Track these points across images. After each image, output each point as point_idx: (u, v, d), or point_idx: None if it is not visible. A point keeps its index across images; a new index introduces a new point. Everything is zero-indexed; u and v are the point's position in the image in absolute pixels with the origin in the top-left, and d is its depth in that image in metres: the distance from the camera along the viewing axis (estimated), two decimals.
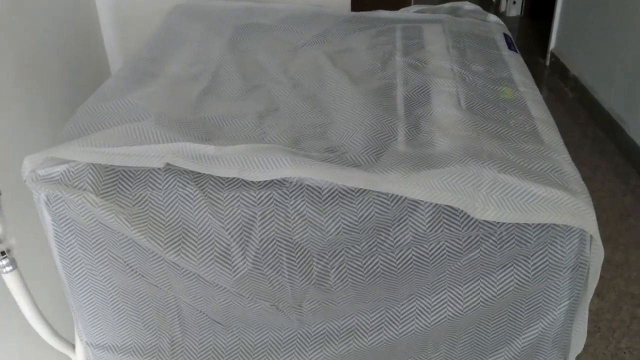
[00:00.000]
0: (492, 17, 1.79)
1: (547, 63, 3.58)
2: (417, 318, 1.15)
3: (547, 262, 1.07)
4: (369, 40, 1.64)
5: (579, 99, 3.12)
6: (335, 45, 1.62)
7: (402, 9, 1.84)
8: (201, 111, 1.29)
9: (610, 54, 2.83)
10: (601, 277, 2.05)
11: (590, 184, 2.40)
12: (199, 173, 1.09)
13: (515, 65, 1.49)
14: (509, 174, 1.06)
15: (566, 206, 1.02)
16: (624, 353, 1.63)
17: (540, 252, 1.06)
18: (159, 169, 1.10)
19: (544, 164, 1.11)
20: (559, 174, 1.10)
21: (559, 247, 1.05)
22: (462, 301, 1.12)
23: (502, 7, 4.49)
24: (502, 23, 1.78)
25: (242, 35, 1.68)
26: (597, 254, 1.04)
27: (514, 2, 4.36)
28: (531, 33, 4.11)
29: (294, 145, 1.18)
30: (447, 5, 1.84)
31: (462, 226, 1.05)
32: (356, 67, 1.49)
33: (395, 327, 1.16)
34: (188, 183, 1.09)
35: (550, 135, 1.22)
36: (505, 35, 1.67)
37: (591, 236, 1.04)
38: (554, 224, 1.03)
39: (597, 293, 1.87)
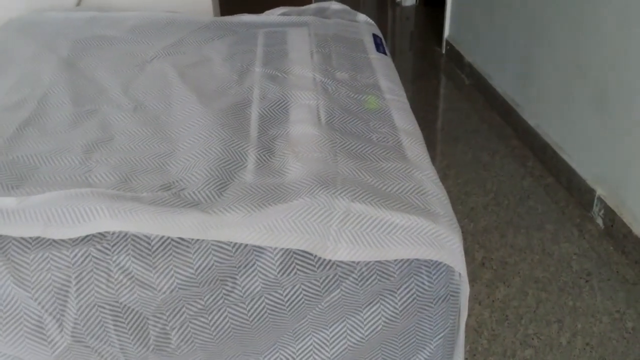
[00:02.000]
0: (362, 17, 1.67)
1: (443, 51, 3.56)
2: None
3: (415, 295, 0.96)
4: (227, 49, 1.48)
5: (475, 85, 3.12)
6: (189, 56, 1.45)
7: (266, 12, 1.68)
8: (15, 150, 1.09)
9: (500, 40, 2.83)
10: (506, 262, 2.02)
11: (490, 168, 2.37)
12: None
13: (382, 70, 1.38)
14: (364, 203, 0.93)
15: (426, 236, 0.91)
16: (532, 339, 1.59)
17: (406, 285, 0.95)
18: None
19: (405, 185, 1.00)
20: (421, 195, 0.99)
21: (425, 278, 0.95)
22: (329, 346, 1.00)
23: None
24: (373, 22, 1.66)
25: (81, 50, 1.47)
26: (462, 287, 0.94)
27: None
28: (427, 22, 4.10)
29: (122, 184, 1.00)
30: (313, 5, 1.70)
31: (317, 266, 0.92)
32: (209, 82, 1.33)
33: None
34: None
35: (414, 149, 1.11)
36: (375, 36, 1.56)
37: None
38: None
39: (503, 280, 1.83)
